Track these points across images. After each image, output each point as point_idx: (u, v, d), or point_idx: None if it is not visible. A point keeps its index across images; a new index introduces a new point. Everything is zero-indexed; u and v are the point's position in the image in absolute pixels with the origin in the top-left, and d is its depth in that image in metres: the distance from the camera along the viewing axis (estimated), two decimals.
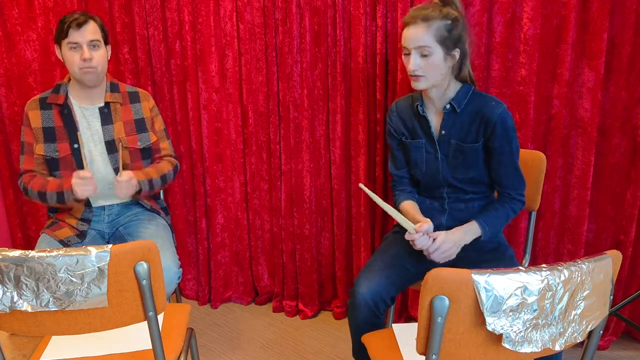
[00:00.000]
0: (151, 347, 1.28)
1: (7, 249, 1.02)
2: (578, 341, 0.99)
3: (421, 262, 1.52)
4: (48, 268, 1.01)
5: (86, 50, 1.62)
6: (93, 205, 1.76)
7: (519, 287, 0.89)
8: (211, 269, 2.39)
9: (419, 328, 0.94)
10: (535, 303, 0.90)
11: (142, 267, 1.06)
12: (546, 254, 1.97)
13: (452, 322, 0.92)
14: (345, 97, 2.03)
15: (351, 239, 2.20)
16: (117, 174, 1.72)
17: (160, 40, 2.17)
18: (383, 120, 1.98)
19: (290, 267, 2.28)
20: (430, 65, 1.42)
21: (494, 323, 0.90)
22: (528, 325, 0.92)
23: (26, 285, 1.02)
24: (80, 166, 1.70)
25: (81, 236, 1.73)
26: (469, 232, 1.48)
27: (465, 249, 1.47)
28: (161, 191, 2.01)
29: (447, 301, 0.90)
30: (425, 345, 0.94)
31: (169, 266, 1.61)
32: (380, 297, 1.43)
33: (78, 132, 1.69)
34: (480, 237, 1.49)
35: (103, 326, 1.10)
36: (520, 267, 0.91)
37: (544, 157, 1.69)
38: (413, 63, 1.42)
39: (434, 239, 1.44)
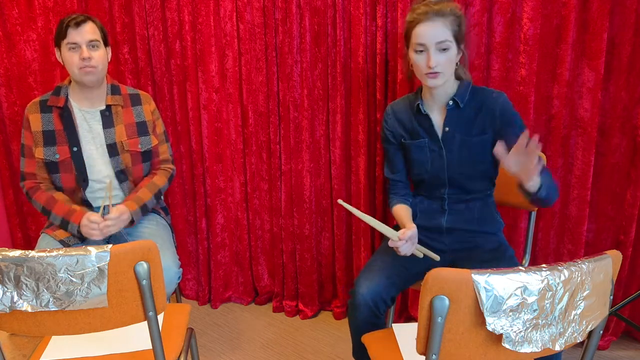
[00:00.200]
0: (151, 347, 1.28)
1: (7, 249, 1.02)
2: (578, 341, 0.99)
3: (421, 262, 1.52)
4: (48, 268, 1.01)
5: (85, 49, 1.62)
6: (93, 206, 1.76)
7: (519, 287, 0.89)
8: (211, 269, 2.39)
9: (419, 328, 0.94)
10: (535, 303, 0.90)
11: (142, 267, 1.06)
12: (546, 254, 1.97)
13: (452, 322, 0.92)
14: (345, 97, 2.03)
15: (351, 239, 2.20)
16: (116, 178, 1.72)
17: (160, 40, 2.17)
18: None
19: (290, 267, 2.28)
20: (448, 61, 1.42)
21: (494, 323, 0.90)
22: (528, 325, 0.92)
23: (26, 285, 1.02)
24: (80, 170, 1.70)
25: (81, 236, 1.72)
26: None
27: (465, 249, 1.47)
28: None
29: (447, 301, 0.90)
30: (425, 345, 0.94)
31: (169, 266, 1.62)
32: (380, 297, 1.43)
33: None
34: (537, 191, 1.33)
35: (103, 326, 1.10)
36: (520, 267, 0.91)
37: (544, 157, 1.69)
38: (434, 60, 1.40)
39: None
